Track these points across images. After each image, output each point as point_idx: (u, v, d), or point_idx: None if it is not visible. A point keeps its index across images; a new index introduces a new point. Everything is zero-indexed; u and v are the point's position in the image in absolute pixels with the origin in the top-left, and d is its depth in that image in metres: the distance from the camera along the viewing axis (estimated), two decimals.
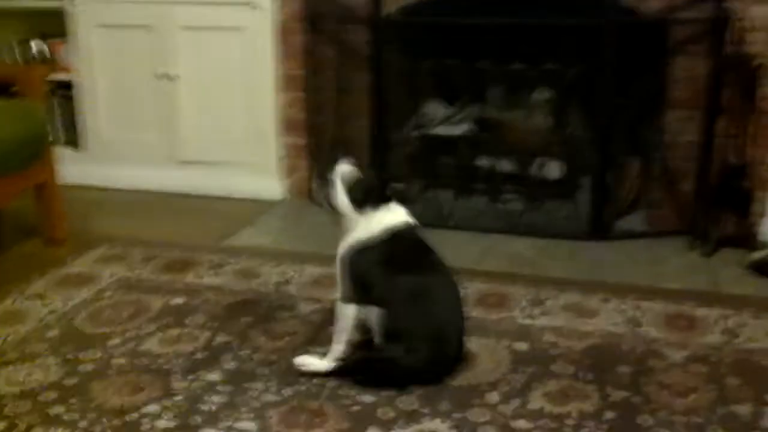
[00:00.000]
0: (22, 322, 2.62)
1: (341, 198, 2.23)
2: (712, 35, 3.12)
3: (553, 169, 3.64)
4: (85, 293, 2.84)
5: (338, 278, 2.26)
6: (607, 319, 2.60)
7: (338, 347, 2.26)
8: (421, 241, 2.26)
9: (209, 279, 2.96)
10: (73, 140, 4.15)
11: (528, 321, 2.60)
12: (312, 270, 3.00)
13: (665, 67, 3.24)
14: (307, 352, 2.38)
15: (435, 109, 3.80)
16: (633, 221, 3.44)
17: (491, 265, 3.10)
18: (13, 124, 2.99)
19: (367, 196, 2.22)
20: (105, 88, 3.98)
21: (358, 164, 2.29)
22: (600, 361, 2.34)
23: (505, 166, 3.69)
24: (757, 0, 3.08)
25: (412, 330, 2.16)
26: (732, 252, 3.12)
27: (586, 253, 3.22)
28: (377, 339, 2.22)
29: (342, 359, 2.25)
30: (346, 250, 2.24)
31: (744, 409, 2.11)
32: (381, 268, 2.19)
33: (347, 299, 2.23)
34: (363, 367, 2.22)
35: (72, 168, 3.97)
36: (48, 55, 4.16)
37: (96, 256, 3.18)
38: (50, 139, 3.28)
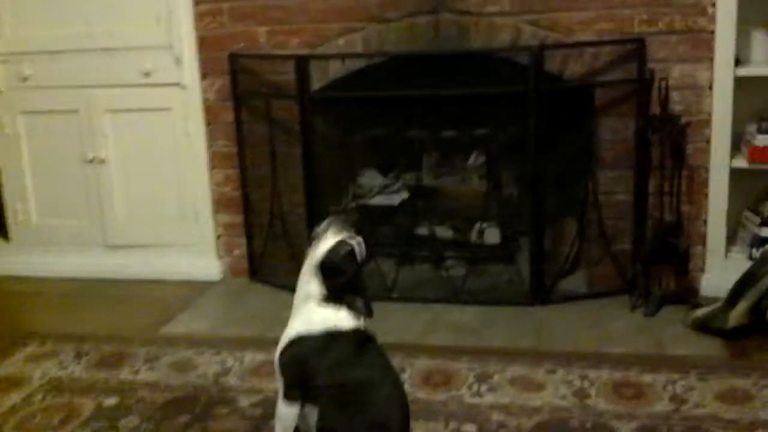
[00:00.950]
0: None
1: (312, 261, 2.11)
2: (637, 96, 3.17)
3: (492, 234, 3.63)
4: (14, 398, 2.70)
5: (277, 375, 2.16)
6: (555, 392, 2.56)
7: None
8: (366, 337, 2.15)
9: (144, 374, 2.84)
10: (0, 227, 4.01)
11: (476, 399, 2.54)
12: (252, 357, 2.90)
13: (593, 128, 3.27)
14: None
15: (371, 178, 3.78)
16: (574, 282, 3.43)
17: (436, 338, 3.05)
18: None
19: (333, 282, 2.09)
20: (32, 174, 3.87)
21: (359, 244, 2.14)
22: None
23: (445, 232, 3.67)
24: (680, 60, 3.14)
25: (350, 429, 2.06)
26: (674, 310, 3.12)
27: (529, 319, 3.18)
28: None
29: None
30: (284, 344, 2.15)
31: None
32: (318, 363, 2.10)
33: (288, 397, 2.13)
34: None
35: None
36: None
37: (25, 355, 3.04)
38: None
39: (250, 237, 3.70)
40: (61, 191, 3.85)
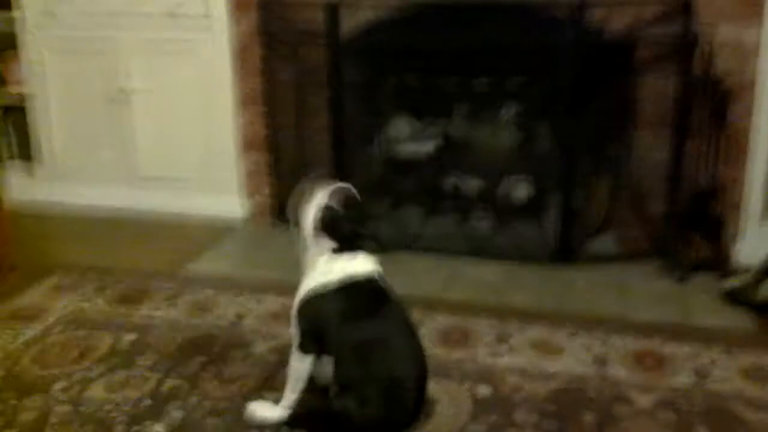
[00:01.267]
0: None
1: (309, 222, 2.09)
2: (680, 55, 3.03)
3: (521, 189, 3.54)
4: (33, 330, 2.72)
5: (293, 327, 2.14)
6: (574, 357, 2.51)
7: (291, 397, 2.15)
8: (382, 291, 2.13)
9: (163, 312, 2.85)
10: (28, 159, 4.01)
11: (491, 360, 2.50)
12: (271, 302, 2.89)
13: (632, 86, 3.15)
14: (260, 397, 2.29)
15: (399, 128, 3.69)
16: (603, 243, 3.35)
17: (456, 294, 3.00)
18: None
19: (338, 231, 2.08)
20: (59, 107, 3.86)
21: (347, 193, 2.13)
22: (564, 408, 2.25)
23: (472, 186, 3.59)
24: (726, 19, 3.00)
25: (365, 383, 2.05)
26: (705, 278, 3.04)
27: (554, 279, 3.13)
28: (332, 389, 2.11)
29: (295, 408, 2.15)
30: (301, 298, 2.13)
31: None
32: (335, 318, 2.08)
33: (302, 349, 2.12)
34: (315, 419, 2.12)
35: (27, 188, 3.86)
36: (1, 76, 4.01)
37: (48, 287, 3.06)
38: None
39: (275, 179, 3.65)
40: (89, 126, 3.83)
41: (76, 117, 3.85)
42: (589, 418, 2.20)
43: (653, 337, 2.61)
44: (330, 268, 2.09)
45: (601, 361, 2.48)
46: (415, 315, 2.72)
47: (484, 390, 2.34)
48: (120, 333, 2.69)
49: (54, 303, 2.92)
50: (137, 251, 3.47)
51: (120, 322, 2.77)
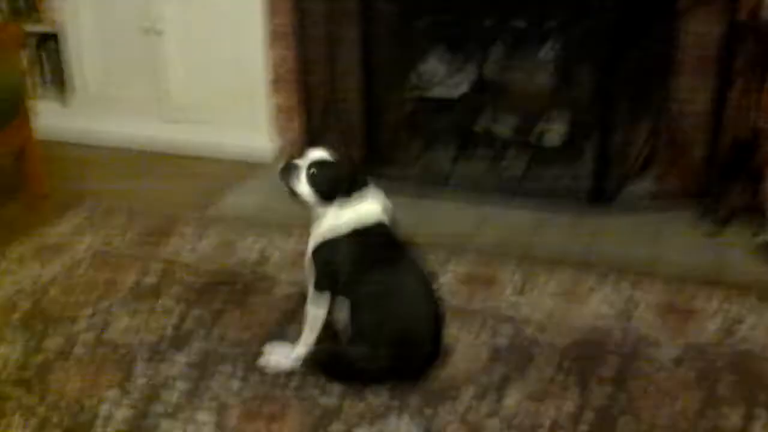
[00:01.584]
0: None
1: (303, 186, 2.08)
2: None
3: (556, 134, 3.44)
4: (59, 266, 2.75)
5: (307, 273, 2.12)
6: (597, 308, 2.45)
7: (308, 338, 2.14)
8: (393, 236, 2.11)
9: (187, 253, 2.85)
10: (60, 92, 4.01)
11: (513, 307, 2.46)
12: (295, 244, 2.86)
13: (675, 30, 3.01)
14: (281, 332, 2.31)
15: (432, 67, 3.60)
16: (639, 188, 3.24)
17: (484, 238, 2.95)
18: None
19: (332, 187, 2.06)
20: (92, 42, 3.84)
21: (333, 151, 2.13)
22: (583, 360, 2.20)
23: (506, 129, 3.50)
24: None
25: (378, 331, 2.03)
26: (739, 230, 2.93)
27: (586, 224, 3.04)
28: (347, 334, 2.09)
29: (311, 350, 2.15)
30: (315, 241, 2.10)
31: (734, 418, 1.98)
32: (348, 262, 2.05)
33: (317, 287, 2.10)
34: (329, 363, 2.11)
35: (60, 118, 3.86)
36: (35, 5, 3.99)
37: (75, 222, 3.09)
38: (28, 98, 3.13)
39: (304, 120, 3.60)
40: (120, 60, 3.81)
41: (109, 48, 3.83)
42: (608, 371, 2.15)
43: (682, 289, 2.54)
44: (337, 215, 2.07)
45: (625, 314, 2.42)
46: (441, 257, 2.72)
47: (502, 338, 2.30)
48: (146, 267, 2.71)
49: (82, 236, 2.96)
50: (166, 186, 3.48)
51: (143, 263, 2.77)
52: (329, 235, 2.07)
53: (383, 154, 3.47)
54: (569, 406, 2.02)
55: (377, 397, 2.04)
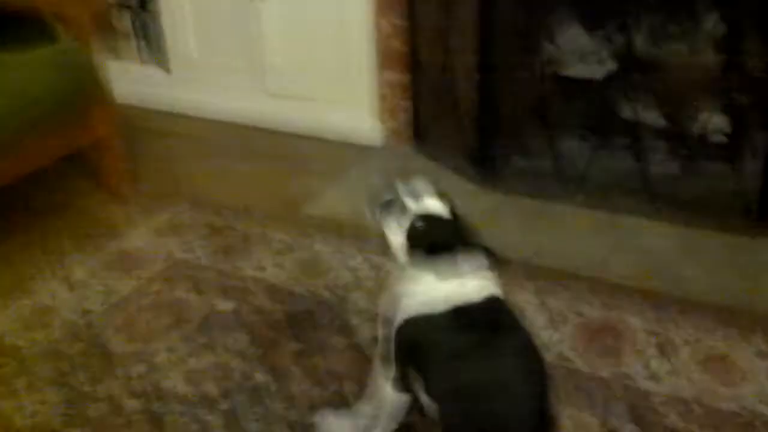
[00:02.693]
0: (46, 326, 2.30)
1: (398, 237, 1.64)
2: None
3: (719, 125, 2.83)
4: (128, 287, 2.47)
5: (380, 341, 1.71)
6: (759, 390, 1.93)
7: (364, 425, 1.75)
8: (504, 317, 1.64)
9: (271, 269, 2.51)
10: (160, 59, 3.72)
11: (650, 385, 1.97)
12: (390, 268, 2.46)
13: None
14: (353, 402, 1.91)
15: (570, 40, 3.00)
16: None
17: (615, 270, 2.43)
18: (46, 76, 2.56)
19: (437, 251, 1.60)
20: (193, 8, 3.49)
21: (441, 193, 1.67)
22: None
23: (657, 118, 2.91)
24: None
25: None
26: None
27: (746, 256, 2.47)
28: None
29: None
30: (400, 320, 1.65)
31: None
32: (438, 353, 1.61)
33: (395, 385, 1.69)
34: None
35: (156, 90, 3.62)
36: None
37: (156, 226, 2.80)
38: (102, 85, 2.81)
39: (415, 100, 3.14)
40: (222, 28, 3.45)
41: (209, 15, 3.47)
42: None
43: None
44: (435, 294, 1.60)
45: None
46: (560, 299, 2.25)
47: (631, 429, 1.84)
48: (217, 300, 2.38)
49: (157, 250, 2.65)
50: (261, 167, 3.17)
51: (219, 285, 2.45)
52: (422, 309, 1.62)
53: (503, 144, 2.97)
54: None
55: None
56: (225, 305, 2.35)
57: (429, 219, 1.61)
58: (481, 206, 2.79)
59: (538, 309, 2.25)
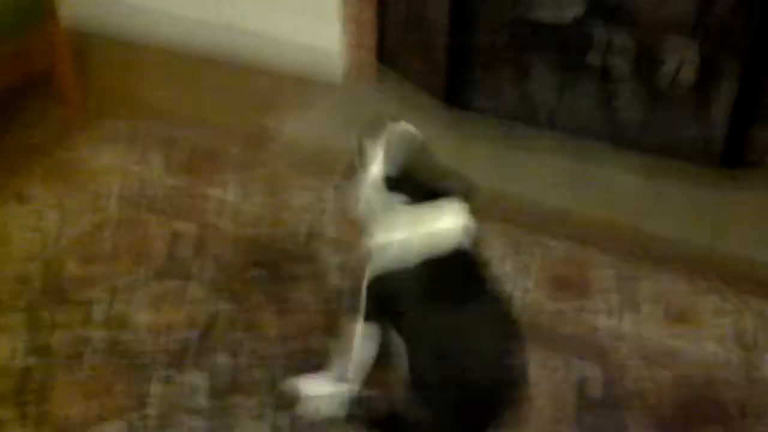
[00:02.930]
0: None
1: (374, 181, 1.62)
2: None
3: (687, 64, 2.82)
4: (84, 205, 2.39)
5: (362, 298, 1.69)
6: (710, 330, 2.02)
7: (346, 377, 1.75)
8: (472, 267, 1.64)
9: (229, 211, 2.42)
10: None
11: (609, 329, 2.02)
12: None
13: None
14: (319, 336, 1.94)
15: None
16: None
17: (583, 208, 2.46)
18: None
19: (412, 187, 1.59)
20: None
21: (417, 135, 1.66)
22: (687, 413, 1.81)
23: (625, 63, 2.90)
24: None
25: (443, 393, 1.61)
26: None
27: (711, 198, 2.52)
28: (406, 389, 1.70)
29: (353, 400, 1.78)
30: (372, 274, 1.66)
31: None
32: (410, 304, 1.61)
33: (367, 318, 1.68)
34: (383, 425, 1.75)
35: (108, 17, 3.41)
36: None
37: (109, 135, 2.71)
38: (53, 9, 2.66)
39: (382, 35, 3.04)
40: None
41: None
42: None
43: None
44: (406, 227, 1.60)
45: (743, 343, 1.98)
46: (528, 240, 2.29)
47: (594, 381, 1.89)
48: (181, 231, 2.31)
49: (111, 167, 2.56)
50: (218, 98, 3.02)
51: (183, 212, 2.39)
52: (392, 266, 1.62)
53: (471, 84, 2.93)
54: None
55: None
56: (181, 252, 2.27)
57: (408, 163, 1.60)
58: (448, 149, 2.75)
59: (505, 251, 2.27)
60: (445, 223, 1.61)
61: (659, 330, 2.03)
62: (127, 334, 1.98)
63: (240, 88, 3.10)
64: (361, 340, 1.70)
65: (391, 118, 1.70)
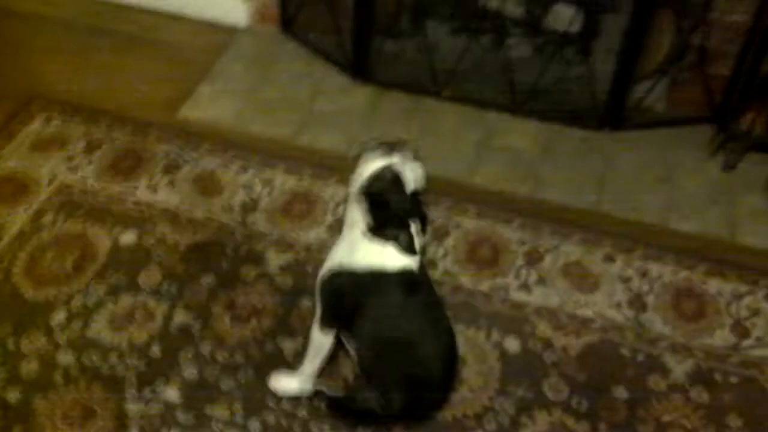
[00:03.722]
0: None
1: (356, 187, 1.83)
2: None
3: (567, 14, 3.02)
4: (20, 219, 2.46)
5: (317, 301, 1.93)
6: (610, 296, 2.34)
7: (309, 369, 2.01)
8: (416, 284, 1.89)
9: (164, 193, 2.57)
10: None
11: (523, 296, 2.33)
12: (282, 183, 2.61)
13: None
14: (276, 338, 2.18)
15: None
16: (653, 95, 2.94)
17: (485, 174, 2.71)
18: None
19: (378, 214, 1.81)
20: None
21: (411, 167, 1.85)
22: (597, 376, 2.15)
23: (516, 9, 3.06)
24: None
25: (388, 376, 1.90)
26: (758, 166, 2.75)
27: (595, 157, 2.78)
28: (356, 373, 1.98)
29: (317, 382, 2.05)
30: (326, 271, 1.89)
31: None
32: (359, 303, 1.86)
33: (323, 323, 1.93)
34: (338, 406, 2.02)
35: None
36: None
37: (31, 139, 2.73)
38: None
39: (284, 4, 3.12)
40: None
41: None
42: (621, 393, 2.11)
43: (695, 269, 2.41)
44: (357, 250, 1.84)
45: (639, 303, 2.32)
46: (441, 212, 2.52)
47: (512, 345, 2.21)
48: (117, 230, 2.44)
49: (39, 170, 2.62)
50: (121, 69, 3.03)
51: (116, 212, 2.49)
52: (343, 267, 1.86)
53: (375, 33, 3.03)
54: None
55: None
56: (127, 237, 2.43)
57: (375, 191, 1.80)
58: (355, 101, 2.93)
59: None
60: (391, 255, 1.84)
61: (564, 295, 2.34)
62: (94, 356, 2.13)
63: (146, 44, 3.13)
64: (317, 336, 1.95)
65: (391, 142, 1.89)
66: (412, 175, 1.84)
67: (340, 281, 1.87)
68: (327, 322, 1.93)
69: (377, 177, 1.81)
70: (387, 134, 2.60)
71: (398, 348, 1.88)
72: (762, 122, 2.77)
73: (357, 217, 1.85)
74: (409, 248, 1.82)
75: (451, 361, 1.96)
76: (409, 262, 1.85)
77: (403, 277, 1.85)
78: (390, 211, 1.81)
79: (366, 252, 1.83)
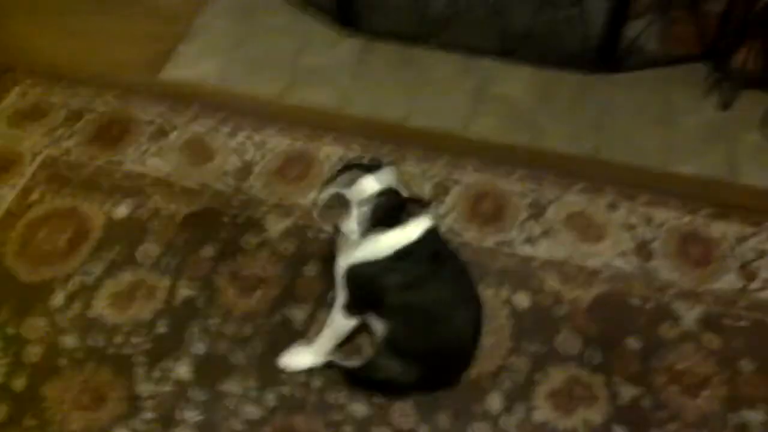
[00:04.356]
0: None
1: (353, 224, 1.75)
2: None
3: None
4: (8, 197, 2.37)
5: (338, 288, 1.88)
6: (616, 245, 2.32)
7: (325, 347, 1.98)
8: (441, 250, 1.88)
9: (153, 162, 2.49)
10: None
11: (529, 250, 2.30)
12: (275, 145, 2.53)
13: None
14: (284, 307, 2.13)
15: None
16: (645, 36, 2.88)
17: (482, 126, 2.64)
18: None
19: (392, 218, 1.77)
20: None
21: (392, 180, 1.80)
22: (608, 328, 2.13)
23: None
24: None
25: (414, 351, 1.89)
26: (753, 103, 2.71)
27: (592, 102, 2.73)
28: (378, 344, 1.94)
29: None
30: (351, 263, 1.83)
31: (756, 415, 2.01)
32: (390, 287, 1.82)
33: (348, 311, 1.89)
34: (356, 377, 1.99)
35: None
36: None
37: (10, 112, 2.62)
38: None
39: None
40: None
41: None
42: (633, 344, 2.10)
43: (697, 213, 2.39)
44: (379, 244, 1.79)
45: (645, 252, 2.30)
46: (439, 169, 2.48)
47: (521, 300, 2.19)
48: (109, 204, 2.36)
49: (22, 143, 2.52)
50: (102, 35, 2.91)
51: (107, 183, 2.42)
52: (368, 257, 1.80)
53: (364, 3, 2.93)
54: (597, 414, 1.98)
55: (404, 416, 1.97)
56: (120, 210, 2.35)
57: (386, 196, 1.74)
58: (344, 54, 2.84)
59: (422, 180, 2.46)
60: (412, 230, 1.80)
61: (570, 247, 2.31)
62: (99, 336, 2.08)
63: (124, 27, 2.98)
64: (339, 320, 1.91)
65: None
66: (396, 180, 1.80)
67: (366, 271, 1.82)
68: (353, 310, 1.89)
69: (379, 200, 1.75)
70: (376, 92, 2.53)
71: (430, 316, 1.86)
72: (755, 58, 2.73)
73: (362, 222, 1.77)
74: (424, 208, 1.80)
75: (477, 331, 1.94)
76: (432, 223, 1.83)
77: (428, 244, 1.82)
78: (394, 206, 1.77)
79: (384, 241, 1.79)
